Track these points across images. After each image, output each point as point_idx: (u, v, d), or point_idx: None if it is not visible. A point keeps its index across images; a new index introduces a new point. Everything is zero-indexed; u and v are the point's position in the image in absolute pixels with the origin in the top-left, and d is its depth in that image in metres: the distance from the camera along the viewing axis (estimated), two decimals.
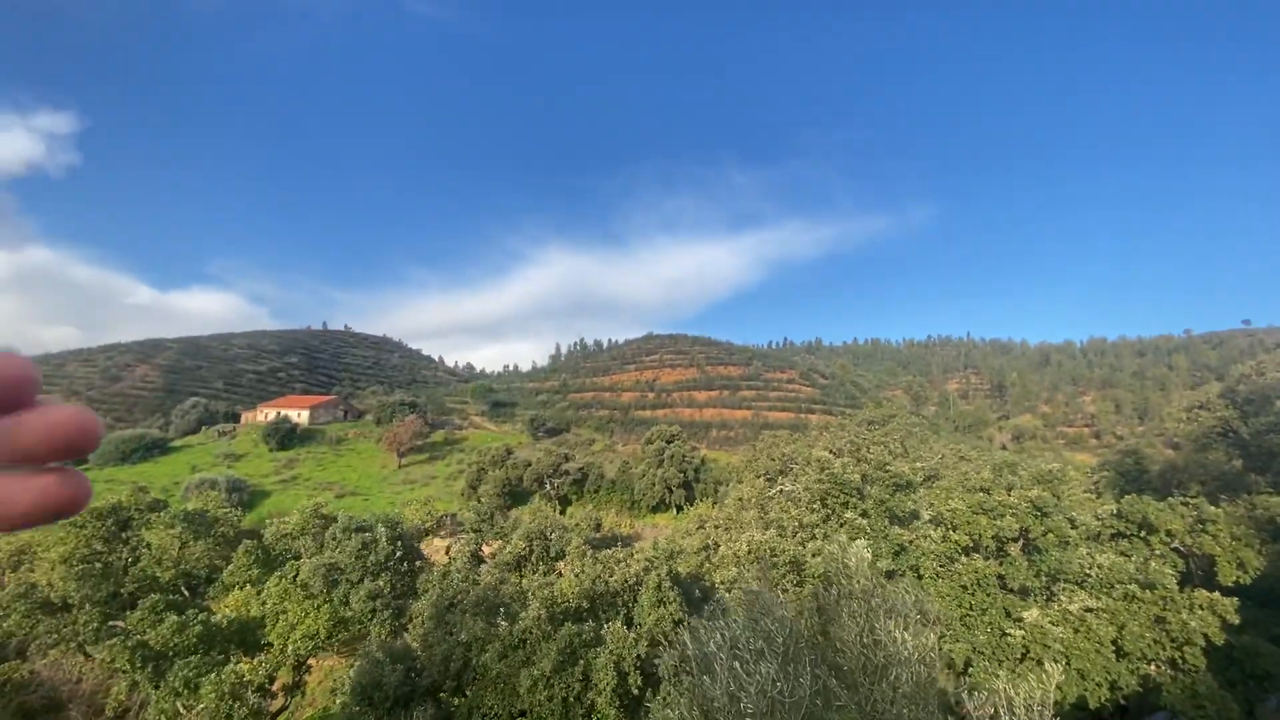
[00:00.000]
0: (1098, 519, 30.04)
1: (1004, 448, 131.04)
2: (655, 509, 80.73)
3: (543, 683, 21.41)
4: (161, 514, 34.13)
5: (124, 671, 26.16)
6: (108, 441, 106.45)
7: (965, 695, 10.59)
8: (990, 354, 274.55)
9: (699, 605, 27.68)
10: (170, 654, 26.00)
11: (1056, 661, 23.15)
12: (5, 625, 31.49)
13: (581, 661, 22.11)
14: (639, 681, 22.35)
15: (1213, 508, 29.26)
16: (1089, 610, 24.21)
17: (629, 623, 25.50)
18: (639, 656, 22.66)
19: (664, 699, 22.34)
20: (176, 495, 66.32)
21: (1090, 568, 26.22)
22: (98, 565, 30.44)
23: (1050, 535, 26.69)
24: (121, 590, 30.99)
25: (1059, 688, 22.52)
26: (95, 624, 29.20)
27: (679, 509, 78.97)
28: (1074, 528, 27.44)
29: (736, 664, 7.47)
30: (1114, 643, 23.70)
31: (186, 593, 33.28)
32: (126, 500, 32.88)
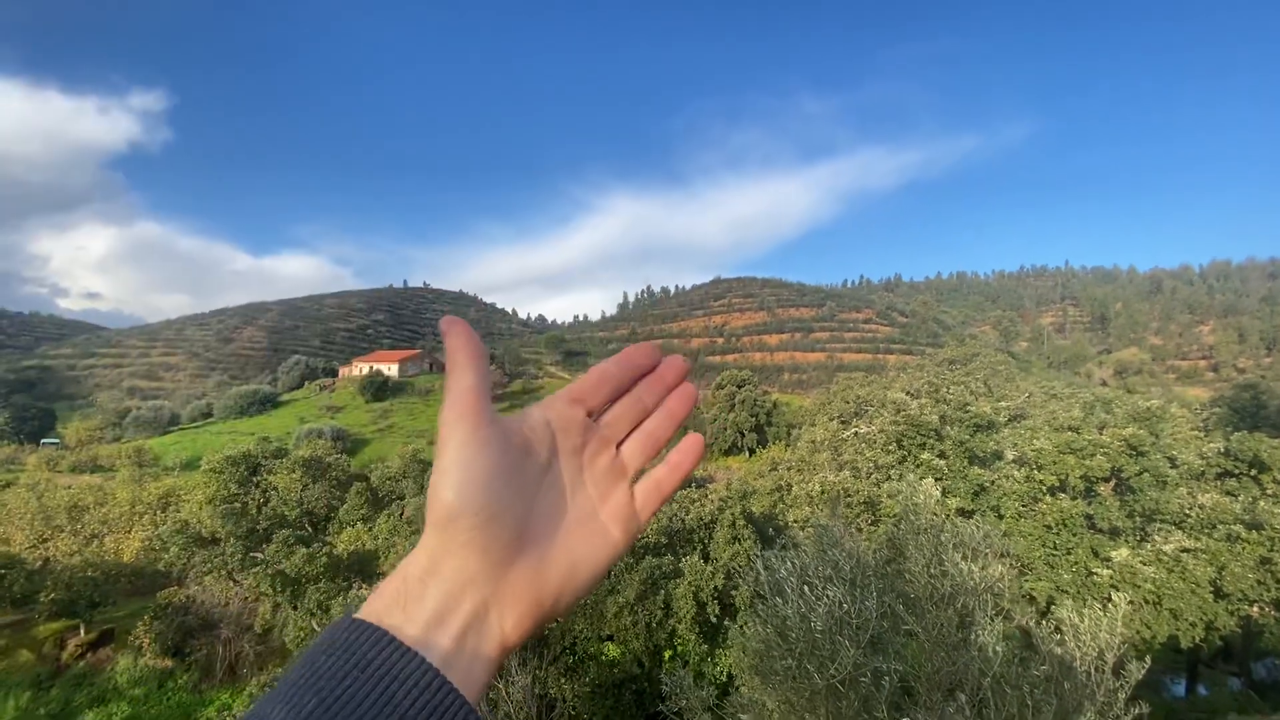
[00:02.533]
0: (1202, 458, 28.34)
1: (1104, 384, 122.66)
2: (727, 452, 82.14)
3: (627, 609, 23.18)
4: (283, 460, 38.42)
5: (267, 595, 30.26)
6: (229, 396, 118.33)
7: (1031, 624, 10.94)
8: (1091, 283, 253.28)
9: (772, 542, 28.67)
10: (303, 580, 29.80)
11: (1147, 600, 22.67)
12: (166, 557, 36.81)
13: (662, 591, 23.70)
14: (716, 611, 23.75)
15: None
16: (1186, 551, 23.32)
17: (705, 557, 26.85)
18: (716, 588, 24.00)
19: (740, 628, 23.75)
20: (289, 444, 73.50)
21: (1190, 508, 25.03)
22: (236, 505, 34.92)
23: (1146, 475, 25.54)
24: (257, 527, 35.43)
25: (1148, 625, 22.13)
26: (239, 555, 33.70)
27: (751, 452, 79.96)
28: (1174, 467, 26.10)
29: (805, 588, 8.17)
30: (1212, 583, 22.84)
31: (310, 529, 37.67)
32: (255, 449, 37.27)
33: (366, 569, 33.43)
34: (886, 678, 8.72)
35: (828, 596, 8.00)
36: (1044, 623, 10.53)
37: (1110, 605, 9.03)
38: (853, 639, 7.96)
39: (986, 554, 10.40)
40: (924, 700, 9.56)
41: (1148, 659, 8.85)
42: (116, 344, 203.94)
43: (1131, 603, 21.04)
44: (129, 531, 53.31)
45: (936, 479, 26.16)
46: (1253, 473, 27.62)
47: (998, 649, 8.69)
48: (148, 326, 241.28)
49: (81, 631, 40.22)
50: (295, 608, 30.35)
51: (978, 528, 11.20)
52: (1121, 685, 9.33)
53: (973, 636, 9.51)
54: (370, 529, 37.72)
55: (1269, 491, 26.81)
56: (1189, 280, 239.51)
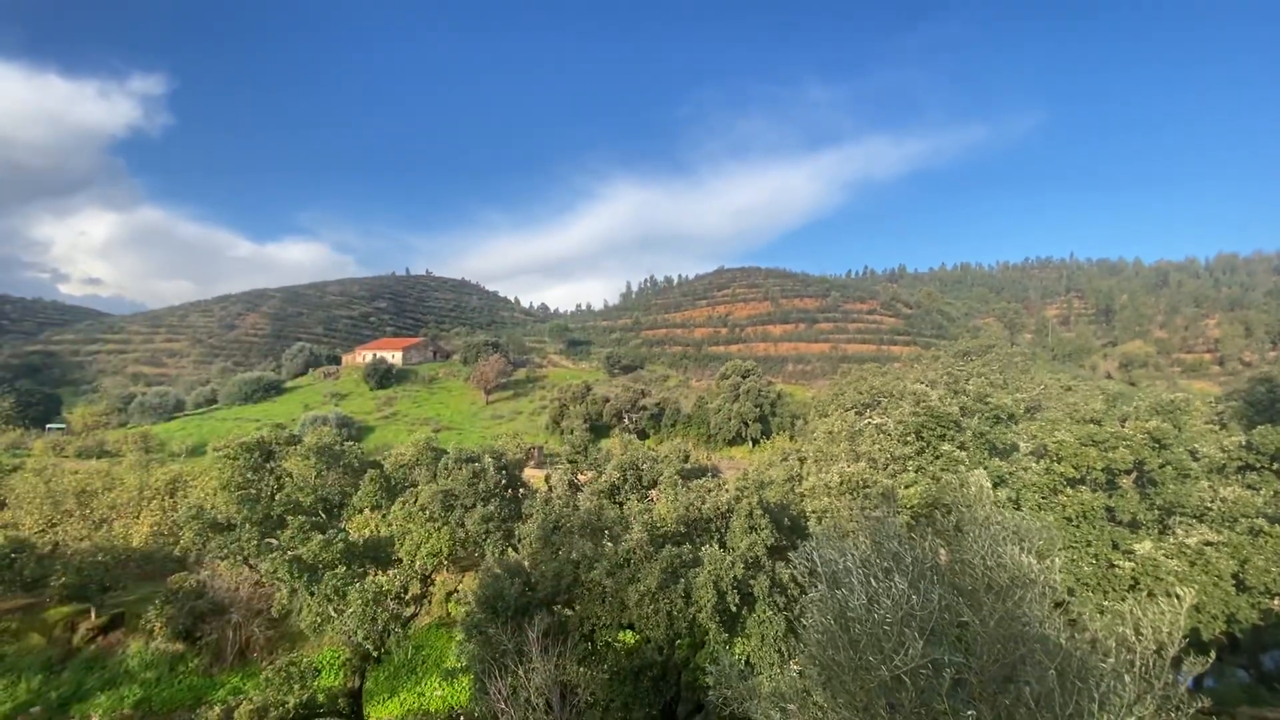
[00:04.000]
0: (1224, 451, 28.24)
1: (1109, 376, 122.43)
2: (731, 442, 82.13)
3: (648, 598, 23.16)
4: (297, 447, 38.37)
5: (284, 581, 30.27)
6: (233, 383, 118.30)
7: (1087, 619, 10.82)
8: (1096, 275, 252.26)
9: (788, 533, 28.64)
10: (319, 566, 29.80)
11: (1169, 593, 22.61)
12: (182, 541, 36.83)
13: (682, 580, 23.66)
14: (736, 600, 23.73)
15: None
16: (1208, 544, 23.27)
17: (723, 546, 26.82)
18: (735, 578, 23.96)
19: (759, 616, 23.71)
20: (295, 431, 73.47)
21: (1212, 501, 24.96)
22: (251, 491, 34.84)
23: (1168, 468, 25.44)
24: (271, 513, 35.41)
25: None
26: (255, 541, 33.69)
27: (755, 442, 79.95)
28: (1195, 460, 26.00)
29: (871, 579, 8.04)
30: (1234, 576, 22.81)
31: (324, 515, 37.68)
32: (269, 435, 37.12)
33: (381, 555, 33.46)
34: (946, 670, 8.62)
35: (893, 589, 7.87)
36: (1101, 615, 10.42)
37: (1175, 598, 8.91)
38: (919, 630, 7.84)
39: (1041, 546, 10.29)
40: (977, 692, 9.47)
41: (1212, 654, 8.72)
42: (120, 330, 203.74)
43: (1152, 595, 21.01)
44: (138, 516, 53.44)
45: (954, 471, 26.06)
46: (1275, 466, 27.51)
47: (1061, 641, 8.57)
48: (151, 312, 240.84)
49: (92, 615, 40.37)
50: (311, 593, 30.38)
51: (1026, 519, 11.07)
52: (1180, 678, 9.24)
53: (1029, 628, 9.40)
54: (384, 516, 37.73)
55: None
56: (1195, 273, 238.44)
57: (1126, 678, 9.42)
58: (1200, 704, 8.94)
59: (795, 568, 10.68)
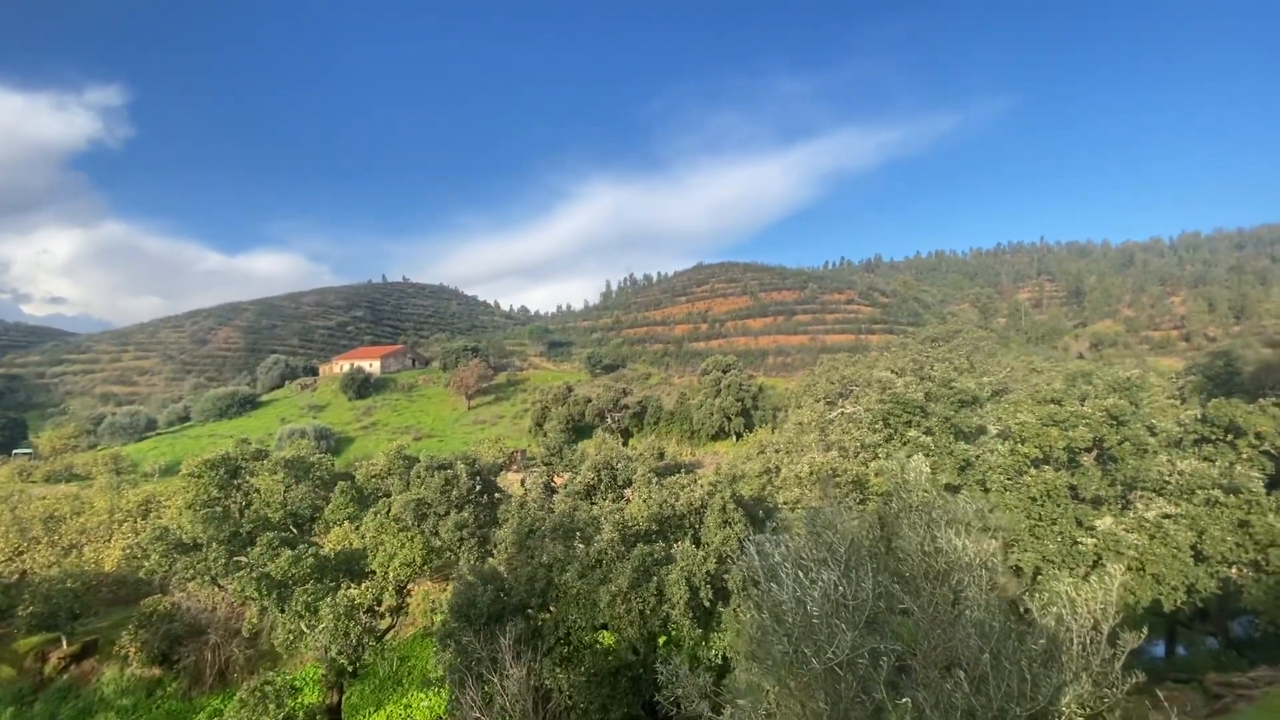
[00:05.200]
0: (1180, 425, 28.84)
1: (1080, 356, 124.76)
2: (714, 437, 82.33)
3: (620, 598, 23.09)
4: (264, 461, 37.69)
5: (253, 599, 29.73)
6: (207, 399, 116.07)
7: (1027, 597, 10.94)
8: (1066, 258, 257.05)
9: (763, 525, 28.74)
10: (290, 583, 29.31)
11: (1130, 567, 23.06)
12: (148, 564, 36.05)
13: (655, 578, 23.63)
14: (709, 595, 23.75)
15: None
16: (1167, 517, 23.74)
17: (697, 542, 26.83)
18: (709, 573, 23.98)
19: (734, 609, 23.77)
20: (271, 445, 72.30)
21: (1169, 475, 25.47)
22: (218, 509, 34.20)
23: (1126, 444, 25.92)
24: (240, 530, 34.78)
25: (1132, 591, 22.52)
26: (223, 560, 33.06)
27: (738, 436, 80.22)
28: (1153, 435, 26.51)
29: (800, 572, 8.02)
30: (1193, 547, 23.29)
31: (295, 530, 37.06)
32: (234, 451, 36.46)
33: (354, 567, 33.00)
34: (884, 658, 8.63)
35: (823, 580, 7.85)
36: (1037, 595, 10.51)
37: (1104, 576, 9.01)
38: (849, 621, 7.83)
39: (978, 529, 10.34)
40: (921, 678, 9.51)
41: (1145, 628, 8.84)
42: (87, 349, 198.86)
43: (1128, 569, 21.40)
44: (109, 540, 52.20)
45: (924, 455, 26.32)
46: (1229, 438, 28.14)
47: (994, 624, 8.62)
48: (119, 330, 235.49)
49: (64, 644, 39.35)
50: (282, 610, 29.89)
51: (968, 503, 11.15)
52: (1116, 654, 9.35)
53: (968, 612, 9.46)
54: (357, 528, 37.20)
55: (1245, 456, 27.35)
56: (1160, 252, 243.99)
57: (1063, 657, 9.52)
58: (1135, 679, 9.05)
59: (738, 563, 10.66)
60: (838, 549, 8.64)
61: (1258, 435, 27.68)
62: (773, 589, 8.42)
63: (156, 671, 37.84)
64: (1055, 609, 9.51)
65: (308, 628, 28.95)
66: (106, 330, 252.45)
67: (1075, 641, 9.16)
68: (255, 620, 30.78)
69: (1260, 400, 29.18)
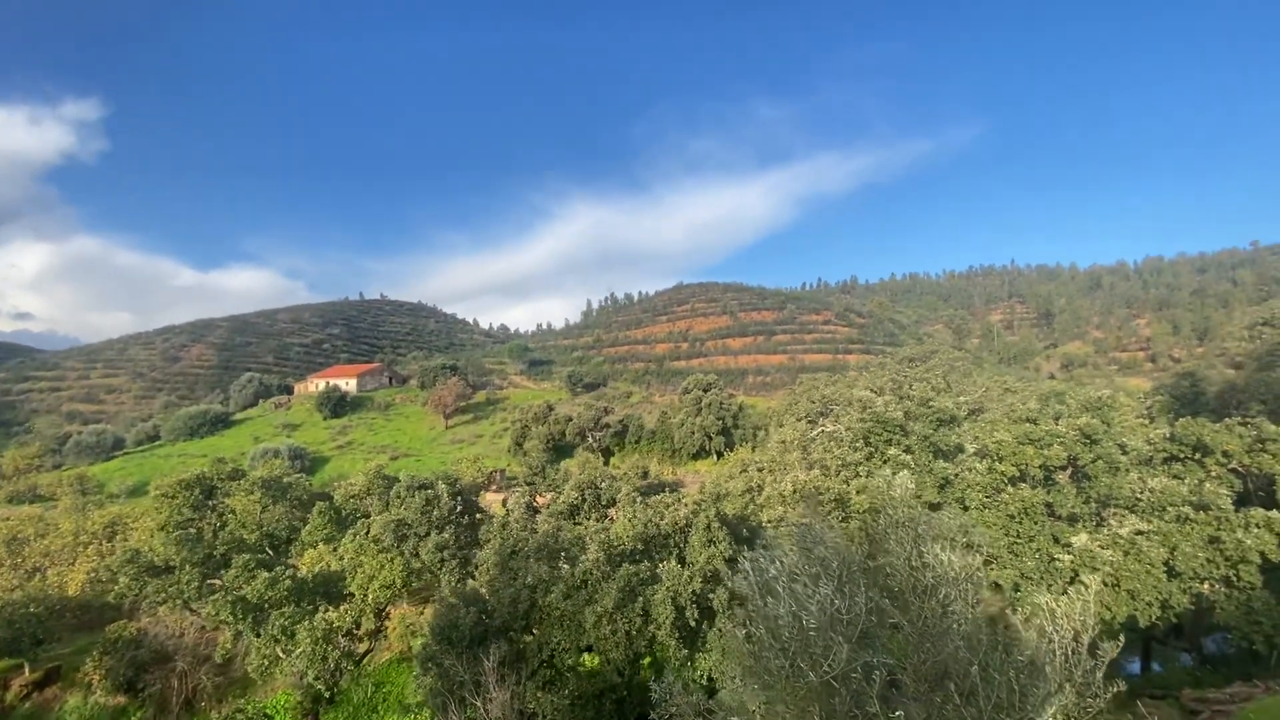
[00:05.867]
0: (1149, 444, 29.74)
1: (1052, 377, 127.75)
2: (695, 456, 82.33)
3: (606, 618, 22.93)
4: (241, 482, 36.84)
5: (228, 623, 28.90)
6: (178, 418, 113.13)
7: (1010, 611, 11.20)
8: (1036, 281, 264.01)
9: (746, 543, 28.82)
10: (266, 606, 28.58)
11: (1106, 583, 23.57)
12: (117, 587, 34.85)
13: (640, 598, 23.53)
14: (695, 615, 23.70)
15: (1273, 426, 28.60)
16: (1140, 533, 24.38)
17: (682, 562, 26.81)
18: (694, 592, 23.95)
19: (719, 629, 23.73)
20: (244, 465, 70.65)
21: (1141, 492, 26.20)
22: (191, 530, 33.29)
23: (1099, 462, 26.64)
24: (214, 552, 33.86)
25: (1108, 607, 22.99)
26: (196, 583, 32.12)
27: (719, 455, 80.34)
28: (1124, 453, 27.30)
29: (796, 586, 8.17)
30: (1165, 563, 23.91)
31: (271, 552, 36.16)
32: (209, 471, 35.60)
33: (332, 590, 32.29)
34: (877, 672, 8.78)
35: (819, 594, 8.02)
36: (1019, 609, 10.78)
37: (1082, 587, 9.30)
38: (844, 635, 7.99)
39: (963, 544, 10.61)
40: (912, 691, 9.67)
41: (1121, 638, 9.12)
42: (54, 366, 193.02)
43: (1104, 585, 21.87)
44: (73, 563, 50.30)
45: (904, 472, 26.73)
46: (1197, 456, 29.07)
47: (982, 637, 8.84)
48: (87, 347, 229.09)
49: (26, 671, 37.77)
50: (258, 634, 29.07)
51: (951, 519, 11.43)
52: (1097, 664, 9.62)
53: (956, 626, 9.68)
54: (334, 549, 36.44)
55: (1213, 473, 28.25)
56: (1125, 276, 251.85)
57: (1047, 669, 9.77)
58: (1117, 688, 9.32)
59: (733, 580, 10.77)
60: (830, 564, 8.82)
61: (1225, 453, 28.64)
62: (768, 603, 8.56)
63: (121, 700, 36.42)
64: (1037, 621, 9.76)
65: (284, 652, 28.20)
66: (74, 347, 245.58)
67: (1058, 652, 9.42)
68: (229, 645, 29.90)
69: (1226, 419, 30.26)
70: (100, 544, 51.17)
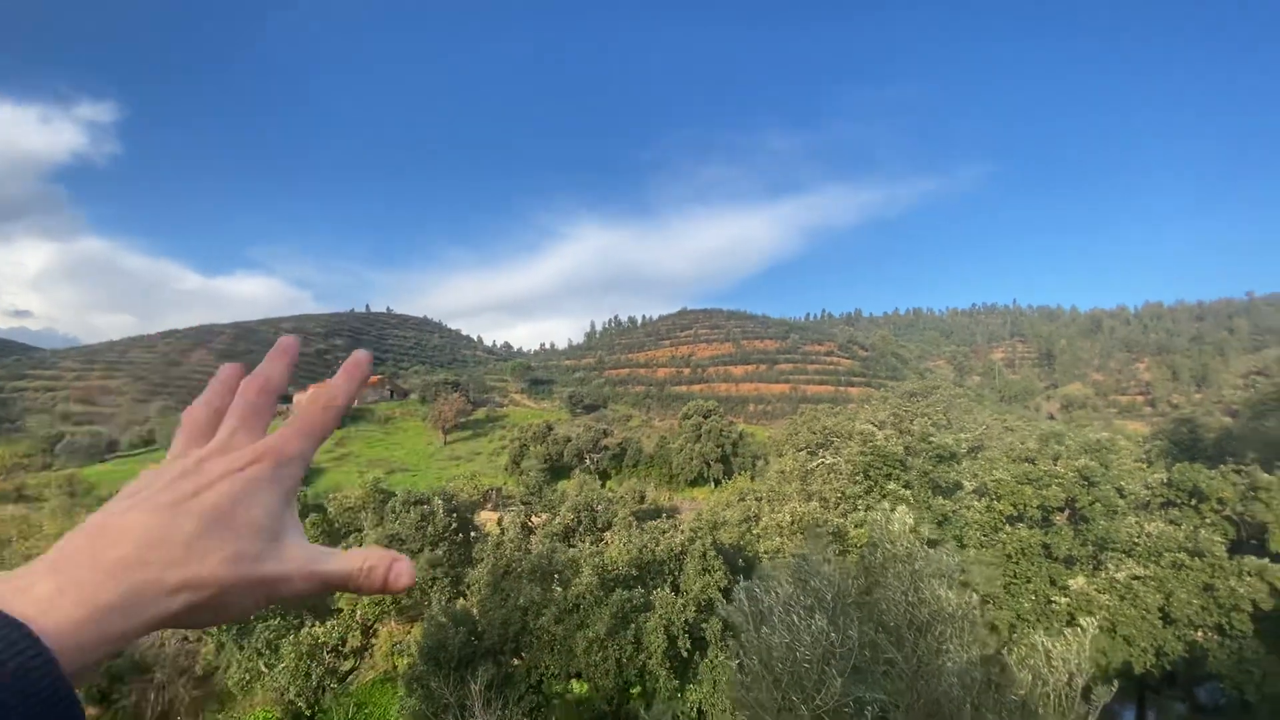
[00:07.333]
0: (1147, 488, 29.71)
1: (1052, 417, 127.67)
2: (693, 483, 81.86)
3: (597, 645, 22.69)
4: None
5: (210, 634, 28.53)
6: (173, 422, 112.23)
7: (1006, 651, 11.18)
8: (1037, 321, 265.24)
9: (742, 573, 28.60)
10: (252, 618, 28.27)
11: (1102, 628, 23.36)
12: None
13: (633, 625, 23.30)
14: (687, 645, 23.45)
15: (1267, 475, 28.61)
16: (1136, 578, 24.25)
17: (676, 589, 26.59)
18: (687, 621, 23.73)
19: (711, 660, 23.44)
20: None
21: (1138, 536, 26.12)
22: None
23: (1097, 505, 26.60)
24: None
25: (1104, 652, 22.76)
26: None
27: (717, 483, 79.92)
28: (1122, 497, 27.27)
29: (791, 618, 8.20)
30: (1161, 609, 23.74)
31: None
32: None
33: (319, 604, 31.92)
34: (869, 707, 8.76)
35: (814, 626, 8.05)
36: (1015, 649, 10.76)
37: (1079, 629, 9.32)
38: (839, 668, 8.00)
39: (959, 582, 10.63)
40: None
41: (1115, 684, 9.12)
42: (51, 365, 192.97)
43: (1099, 629, 21.65)
44: None
45: (903, 507, 26.66)
46: (1193, 502, 29.04)
47: (976, 675, 8.83)
48: (87, 348, 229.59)
49: None
50: (241, 647, 28.69)
51: (949, 555, 11.46)
52: (1091, 710, 9.59)
53: (949, 664, 9.67)
54: None
55: (1208, 520, 28.19)
56: (1125, 320, 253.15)
57: (1040, 710, 9.74)
58: None
59: (727, 609, 10.79)
60: (825, 596, 8.86)
61: (1220, 500, 28.61)
62: (762, 633, 8.57)
63: (93, 711, 35.65)
64: (1032, 662, 9.75)
65: (266, 667, 27.81)
66: (73, 347, 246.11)
67: (1052, 695, 9.40)
68: (211, 658, 29.47)
69: (1221, 466, 30.27)
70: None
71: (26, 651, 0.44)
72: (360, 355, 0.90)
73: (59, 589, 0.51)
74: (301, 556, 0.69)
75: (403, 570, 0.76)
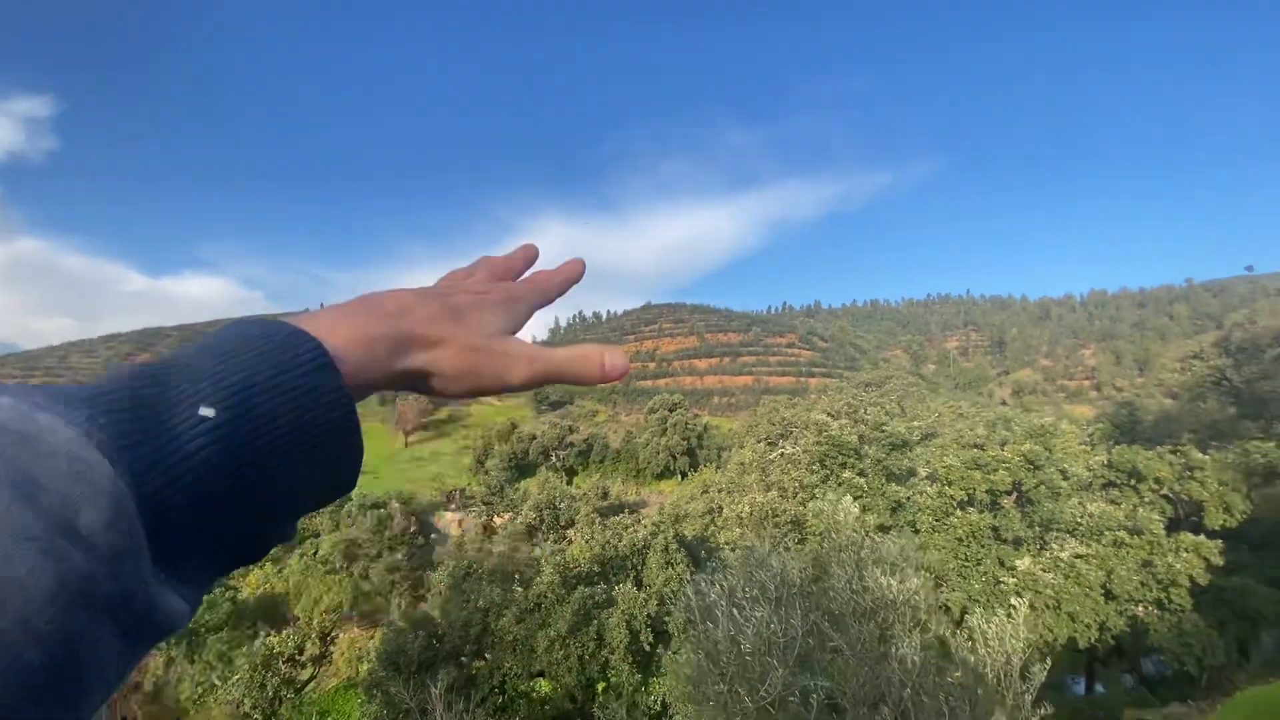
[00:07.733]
0: (1089, 470, 30.99)
1: (1004, 403, 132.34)
2: (660, 476, 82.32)
3: (559, 643, 22.58)
4: None
5: (159, 649, 27.43)
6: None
7: (953, 633, 11.47)
8: (990, 310, 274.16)
9: (705, 565, 28.84)
10: (202, 630, 27.26)
11: (1048, 605, 24.33)
12: None
13: (595, 622, 23.25)
14: (650, 638, 23.52)
15: (1201, 455, 30.14)
16: (1079, 557, 25.28)
17: (639, 584, 26.63)
18: (649, 615, 23.80)
19: (674, 653, 23.58)
20: None
21: (1081, 516, 27.22)
22: None
23: (1042, 487, 27.64)
24: None
25: (1050, 628, 23.69)
26: None
27: (683, 475, 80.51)
28: (1065, 479, 28.39)
29: (735, 611, 8.24)
30: (1103, 586, 24.81)
31: None
32: None
33: (275, 613, 31.02)
34: (814, 695, 8.87)
35: (755, 617, 8.09)
36: (958, 632, 11.04)
37: (1013, 611, 9.60)
38: (780, 659, 8.06)
39: (904, 568, 10.82)
40: (850, 715, 9.79)
41: (1049, 660, 9.43)
42: None
43: (1033, 607, 22.55)
44: None
45: (857, 497, 27.30)
46: (1132, 482, 30.40)
47: (916, 659, 9.01)
48: (26, 354, 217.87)
49: None
50: (192, 661, 27.66)
51: (894, 542, 11.68)
52: (1028, 688, 9.91)
53: (893, 649, 9.87)
54: (280, 570, 35.02)
55: (1146, 499, 29.55)
56: (1072, 308, 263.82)
57: (979, 690, 10.02)
58: (1044, 712, 9.61)
59: (672, 606, 10.80)
60: (768, 587, 8.91)
61: (1157, 480, 30.02)
62: (709, 628, 8.59)
63: None
64: (971, 644, 10.01)
65: (220, 679, 26.89)
66: (11, 353, 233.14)
67: (989, 675, 9.68)
68: (160, 672, 28.35)
69: (1159, 447, 31.76)
70: None
71: (320, 356, 0.54)
72: (577, 263, 0.96)
73: (340, 318, 0.63)
74: (526, 347, 0.78)
75: (616, 357, 0.81)
